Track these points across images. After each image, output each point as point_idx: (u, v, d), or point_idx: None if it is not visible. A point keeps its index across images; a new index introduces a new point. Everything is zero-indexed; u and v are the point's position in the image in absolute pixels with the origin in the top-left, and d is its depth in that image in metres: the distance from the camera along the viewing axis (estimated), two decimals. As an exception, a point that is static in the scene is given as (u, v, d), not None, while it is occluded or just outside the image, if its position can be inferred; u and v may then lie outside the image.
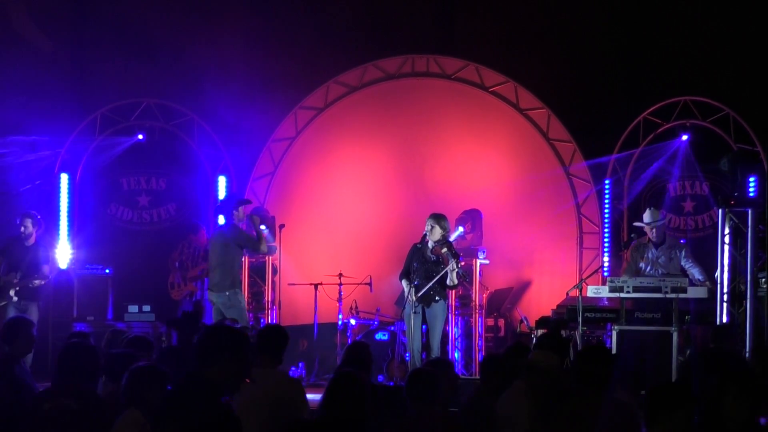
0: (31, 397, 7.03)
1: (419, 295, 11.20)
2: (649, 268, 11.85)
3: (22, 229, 12.34)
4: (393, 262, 14.27)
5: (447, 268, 11.13)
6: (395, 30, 15.31)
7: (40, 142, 14.70)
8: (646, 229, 11.92)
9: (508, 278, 14.59)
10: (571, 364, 7.40)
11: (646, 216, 11.96)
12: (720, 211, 11.08)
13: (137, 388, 6.07)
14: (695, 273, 11.69)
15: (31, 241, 12.40)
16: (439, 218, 11.45)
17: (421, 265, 11.36)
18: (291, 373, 12.05)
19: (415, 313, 11.22)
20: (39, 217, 12.55)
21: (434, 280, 11.12)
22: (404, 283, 11.45)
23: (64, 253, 14.41)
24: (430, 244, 11.38)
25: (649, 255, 11.90)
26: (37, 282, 12.19)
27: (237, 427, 5.00)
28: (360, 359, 7.84)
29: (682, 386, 5.61)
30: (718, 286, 11.02)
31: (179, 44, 14.45)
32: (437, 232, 11.33)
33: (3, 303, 12.17)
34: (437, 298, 11.33)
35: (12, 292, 12.13)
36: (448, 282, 11.25)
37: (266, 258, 13.55)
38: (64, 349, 6.99)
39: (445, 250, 11.22)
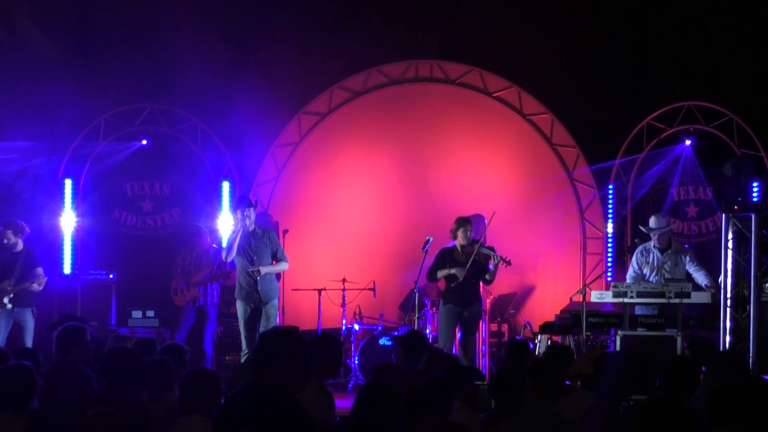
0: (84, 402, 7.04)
1: (456, 295, 11.46)
2: (653, 273, 11.85)
3: (5, 240, 12.26)
4: (397, 267, 14.31)
5: (491, 260, 11.45)
6: (399, 35, 15.31)
7: (43, 147, 14.72)
8: (652, 234, 11.93)
9: (511, 283, 14.57)
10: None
11: (652, 222, 11.96)
12: (723, 216, 11.07)
13: (193, 394, 6.06)
14: (700, 277, 11.70)
15: (19, 247, 12.33)
16: (470, 221, 11.82)
17: (455, 268, 11.52)
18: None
19: (446, 314, 11.49)
20: (22, 224, 12.44)
21: (470, 262, 11.44)
22: (440, 273, 11.62)
23: (67, 258, 14.44)
24: (459, 247, 11.59)
25: (654, 260, 11.90)
26: (35, 286, 12.11)
27: (309, 426, 5.00)
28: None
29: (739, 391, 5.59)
30: (722, 291, 11.01)
31: (183, 50, 14.45)
32: (470, 235, 11.64)
33: None
34: (474, 301, 11.55)
35: (6, 300, 12.04)
36: (488, 277, 11.56)
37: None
38: (109, 353, 7.00)
39: (477, 246, 11.52)
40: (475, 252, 11.46)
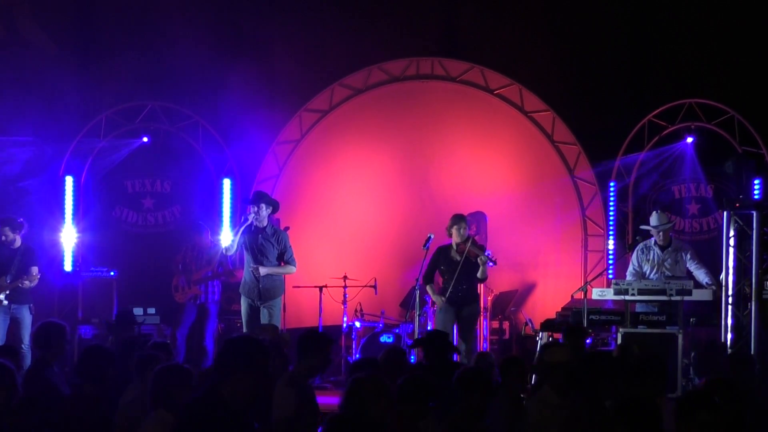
0: (58, 400, 7.05)
1: (452, 295, 11.40)
2: (653, 271, 11.85)
3: (3, 237, 12.16)
4: (398, 264, 14.31)
5: (479, 259, 11.36)
6: (400, 32, 15.30)
7: (44, 144, 14.71)
8: (653, 232, 11.93)
9: (512, 281, 14.57)
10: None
11: (653, 219, 11.96)
12: (725, 213, 11.06)
13: (163, 389, 6.08)
14: (701, 275, 11.69)
15: (17, 244, 12.27)
16: (465, 218, 11.75)
17: (449, 266, 11.49)
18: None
19: (442, 312, 11.46)
20: (20, 220, 12.38)
21: (458, 271, 11.37)
22: (429, 289, 11.63)
23: (69, 254, 14.44)
24: (455, 245, 11.55)
25: (654, 258, 11.90)
26: (27, 283, 12.02)
27: None
28: (395, 364, 7.94)
29: (706, 392, 5.67)
30: (723, 288, 11.01)
31: (184, 47, 14.44)
32: (465, 232, 11.59)
33: None
34: (470, 301, 11.51)
35: (2, 296, 12.00)
36: (479, 275, 11.47)
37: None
38: (84, 352, 7.05)
39: (469, 243, 11.45)
40: (466, 250, 11.44)
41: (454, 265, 11.46)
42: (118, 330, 10.27)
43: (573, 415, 6.74)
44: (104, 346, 7.39)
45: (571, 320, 11.49)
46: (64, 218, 14.55)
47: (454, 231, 11.57)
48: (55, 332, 8.15)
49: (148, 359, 7.29)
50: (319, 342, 7.41)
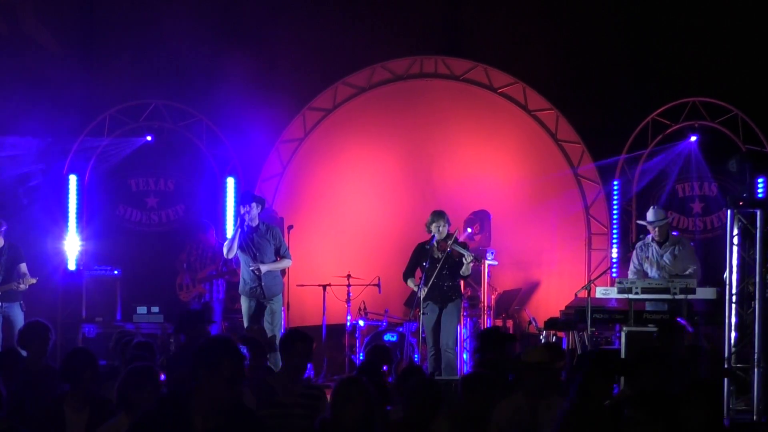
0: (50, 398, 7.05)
1: (434, 292, 11.36)
2: (653, 268, 11.83)
3: None
4: (401, 263, 14.21)
5: (464, 258, 11.28)
6: (403, 31, 15.31)
7: (48, 143, 14.72)
8: (649, 227, 11.93)
9: (516, 279, 14.58)
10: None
11: (650, 215, 11.96)
12: (728, 212, 11.04)
13: (128, 390, 5.95)
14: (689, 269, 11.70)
15: (0, 243, 12.22)
16: (444, 215, 11.60)
17: (431, 264, 11.44)
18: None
19: (428, 313, 11.40)
20: None
21: (438, 269, 11.32)
22: (410, 282, 11.53)
23: (73, 252, 14.44)
24: (436, 242, 11.48)
25: (653, 254, 11.88)
26: (22, 286, 11.92)
27: None
28: (382, 359, 7.92)
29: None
30: (727, 287, 10.99)
31: (187, 45, 14.46)
32: (445, 229, 11.46)
33: None
34: (453, 297, 11.43)
35: None
36: (462, 271, 11.39)
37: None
38: (70, 354, 7.03)
39: (451, 242, 11.38)
40: (448, 248, 11.40)
41: (435, 263, 11.43)
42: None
43: (537, 417, 6.74)
44: (88, 348, 7.33)
45: (575, 318, 11.48)
46: (67, 217, 14.55)
47: (433, 228, 11.49)
48: (36, 332, 8.08)
49: (132, 360, 7.26)
50: (298, 341, 7.34)
